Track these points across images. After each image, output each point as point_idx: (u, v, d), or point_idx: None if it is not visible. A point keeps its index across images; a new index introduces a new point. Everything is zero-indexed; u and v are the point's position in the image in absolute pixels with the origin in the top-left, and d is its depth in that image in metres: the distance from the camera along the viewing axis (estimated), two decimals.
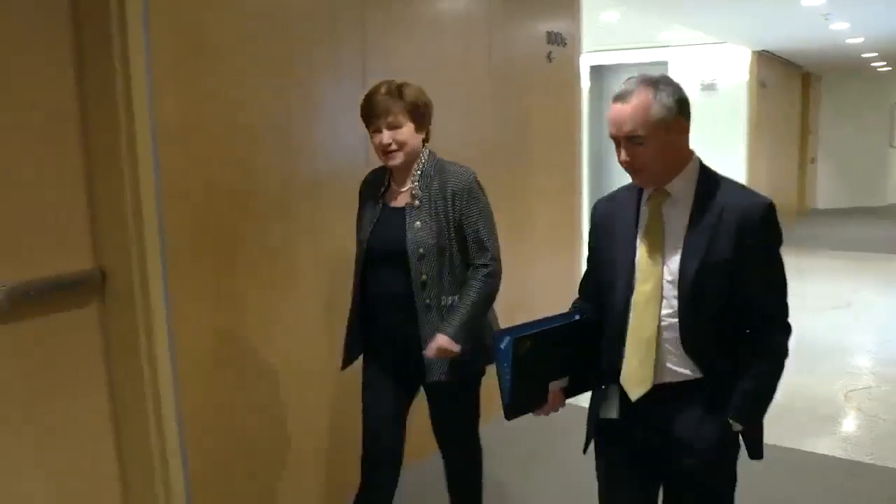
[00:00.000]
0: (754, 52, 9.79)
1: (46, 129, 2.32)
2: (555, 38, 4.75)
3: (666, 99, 1.89)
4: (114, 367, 2.51)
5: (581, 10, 5.08)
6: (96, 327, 2.47)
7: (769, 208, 1.93)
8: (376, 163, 2.59)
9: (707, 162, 2.00)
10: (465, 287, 2.51)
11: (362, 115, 2.49)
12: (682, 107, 1.92)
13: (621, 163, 1.96)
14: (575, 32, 5.01)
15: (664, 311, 1.96)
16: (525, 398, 2.01)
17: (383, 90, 2.45)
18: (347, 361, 2.68)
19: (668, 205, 1.99)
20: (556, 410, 2.09)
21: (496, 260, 2.54)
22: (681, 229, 1.95)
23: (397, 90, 2.45)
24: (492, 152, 4.14)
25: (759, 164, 10.10)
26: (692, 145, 1.98)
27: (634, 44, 9.25)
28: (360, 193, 2.67)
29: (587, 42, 5.36)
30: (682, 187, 1.98)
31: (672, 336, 1.95)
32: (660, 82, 1.91)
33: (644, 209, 2.03)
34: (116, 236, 2.42)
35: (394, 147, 2.44)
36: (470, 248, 2.52)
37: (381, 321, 2.59)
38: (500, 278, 2.56)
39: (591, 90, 8.98)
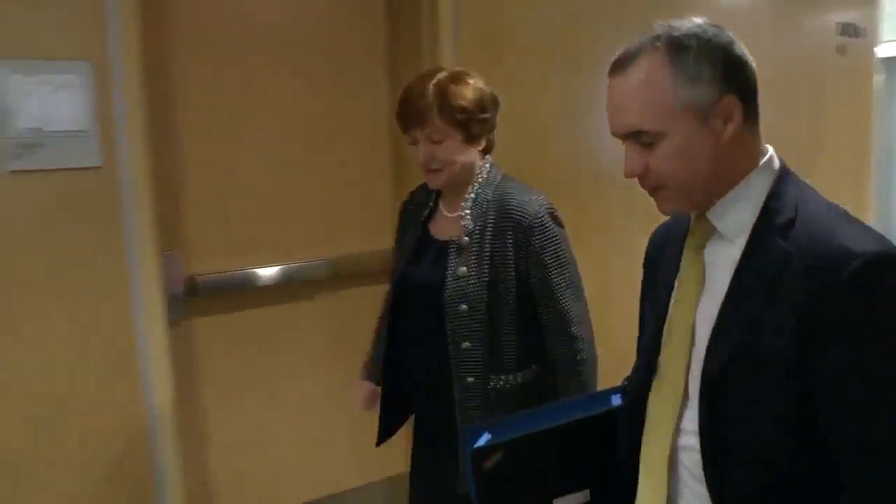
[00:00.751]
0: None
1: (364, 126, 2.66)
2: (848, 30, 4.45)
3: (693, 65, 1.09)
4: None
5: None
6: None
7: (870, 264, 0.99)
8: None
9: None
10: (560, 384, 1.79)
11: (396, 117, 1.83)
12: (729, 73, 1.11)
13: (627, 175, 1.19)
14: (871, 22, 4.65)
15: (686, 422, 1.17)
16: None
17: (428, 87, 1.75)
18: (381, 436, 2.01)
19: (714, 244, 1.19)
20: None
21: (585, 340, 1.77)
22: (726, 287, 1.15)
23: (439, 90, 1.74)
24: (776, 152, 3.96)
25: None
26: None
27: None
28: (400, 214, 2.03)
29: (883, 31, 4.94)
30: (737, 215, 1.15)
31: (693, 461, 1.16)
32: (685, 37, 1.11)
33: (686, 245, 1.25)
34: None
35: (435, 166, 1.78)
36: (545, 321, 1.78)
37: (410, 394, 1.96)
38: (593, 365, 1.79)
39: (886, 84, 8.20)
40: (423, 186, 1.94)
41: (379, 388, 1.99)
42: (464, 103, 1.75)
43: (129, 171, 1.97)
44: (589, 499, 1.34)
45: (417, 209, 1.94)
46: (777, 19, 4.00)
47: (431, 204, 1.91)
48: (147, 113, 2.00)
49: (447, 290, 1.74)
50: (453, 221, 1.82)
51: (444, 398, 1.77)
